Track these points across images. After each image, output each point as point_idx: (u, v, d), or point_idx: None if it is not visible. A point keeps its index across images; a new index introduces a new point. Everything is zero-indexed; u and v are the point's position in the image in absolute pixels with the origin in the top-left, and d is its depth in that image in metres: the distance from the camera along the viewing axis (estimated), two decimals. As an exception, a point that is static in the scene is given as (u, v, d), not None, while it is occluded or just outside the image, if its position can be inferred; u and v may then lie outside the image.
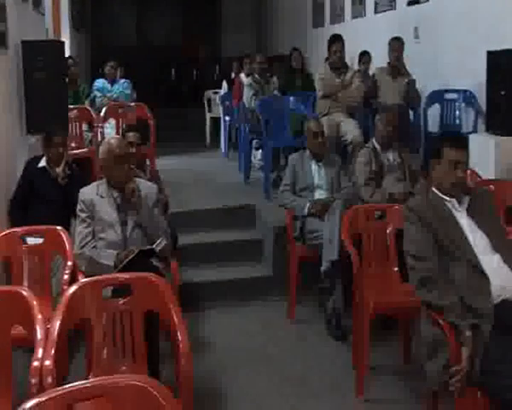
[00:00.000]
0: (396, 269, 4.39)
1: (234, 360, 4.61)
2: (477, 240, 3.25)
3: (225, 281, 5.69)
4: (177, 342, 2.98)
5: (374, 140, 5.52)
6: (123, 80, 9.63)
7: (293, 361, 4.58)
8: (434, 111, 7.45)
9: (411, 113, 7.56)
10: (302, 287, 5.21)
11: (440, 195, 3.37)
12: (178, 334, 3.01)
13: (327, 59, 7.48)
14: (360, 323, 4.17)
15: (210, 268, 5.81)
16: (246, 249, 6.07)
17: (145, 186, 4.27)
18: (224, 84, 10.60)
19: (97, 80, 9.57)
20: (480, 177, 5.39)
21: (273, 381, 4.31)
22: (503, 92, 6.19)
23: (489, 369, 2.87)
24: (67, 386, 2.21)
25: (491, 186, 5.01)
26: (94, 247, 4.08)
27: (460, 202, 3.36)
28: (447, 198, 3.36)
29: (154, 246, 4.03)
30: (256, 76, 8.62)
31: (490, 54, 6.31)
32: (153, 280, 3.30)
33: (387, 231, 4.49)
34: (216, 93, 10.90)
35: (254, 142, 7.97)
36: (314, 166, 5.40)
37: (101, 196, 4.15)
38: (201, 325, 5.15)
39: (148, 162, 5.90)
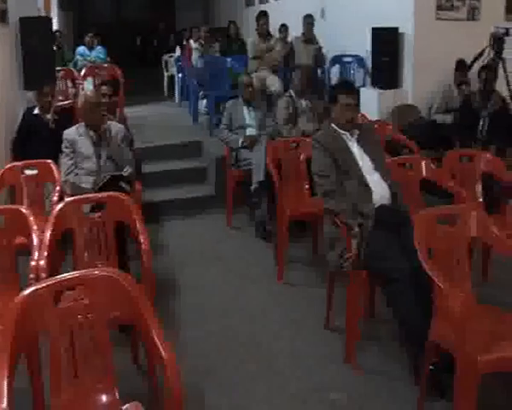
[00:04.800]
0: (307, 186, 4.41)
1: (186, 258, 4.60)
2: (364, 162, 3.28)
3: (179, 199, 5.61)
4: (140, 243, 2.97)
5: (291, 90, 5.49)
6: (99, 47, 9.33)
7: (231, 258, 4.59)
8: (335, 70, 7.47)
9: (319, 71, 7.53)
10: (237, 202, 5.20)
11: (337, 129, 3.37)
12: (141, 237, 3.00)
13: (256, 29, 7.37)
14: (281, 227, 4.20)
15: (167, 189, 5.71)
16: (194, 175, 5.99)
17: (115, 127, 4.16)
18: (178, 49, 10.28)
19: (79, 47, 9.27)
20: (367, 118, 5.44)
21: (216, 273, 4.32)
22: (383, 58, 6.32)
23: (370, 254, 2.95)
24: (56, 277, 2.20)
25: (375, 125, 5.08)
26: (76, 175, 3.99)
27: (352, 135, 3.37)
28: (342, 132, 3.36)
29: (122, 172, 3.97)
30: (202, 42, 8.47)
31: (373, 30, 6.42)
32: (121, 198, 3.27)
33: (300, 158, 4.50)
34: (171, 57, 10.59)
35: (201, 93, 7.77)
36: (246, 110, 5.32)
37: (81, 135, 4.04)
38: (161, 234, 5.11)
39: (118, 109, 5.74)
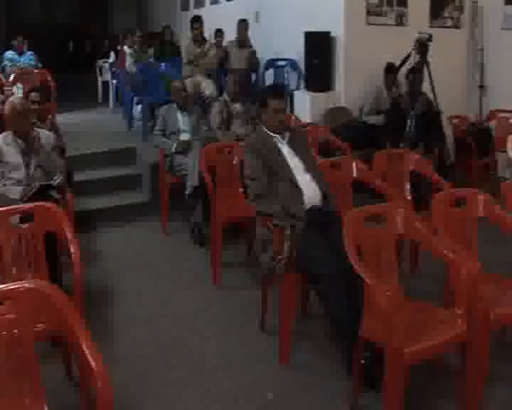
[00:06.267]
0: (241, 190, 4.42)
1: (120, 265, 4.52)
2: (295, 164, 3.32)
3: (112, 207, 5.48)
4: (71, 254, 2.90)
5: (225, 94, 5.51)
6: (29, 53, 9.00)
7: (166, 263, 4.55)
8: (269, 74, 7.53)
9: (253, 75, 7.60)
10: (172, 207, 5.14)
11: (268, 132, 3.40)
12: (71, 248, 2.92)
13: (190, 34, 7.36)
14: (215, 231, 4.19)
15: (101, 197, 5.57)
16: (128, 182, 5.87)
17: (44, 135, 4.05)
18: (112, 54, 10.11)
19: (7, 52, 8.91)
20: (300, 120, 5.53)
21: (151, 279, 4.28)
22: (316, 61, 6.43)
23: (302, 255, 2.99)
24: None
25: (308, 128, 5.17)
26: (4, 185, 3.85)
27: (283, 137, 3.41)
28: (273, 134, 3.40)
29: (51, 181, 3.87)
30: (135, 47, 8.37)
31: (306, 34, 6.52)
32: (49, 207, 3.17)
33: (234, 162, 4.52)
34: (105, 62, 10.42)
35: (135, 98, 7.68)
36: (179, 115, 5.28)
37: (8, 144, 3.90)
38: (95, 242, 4.99)
39: (49, 116, 5.58)
